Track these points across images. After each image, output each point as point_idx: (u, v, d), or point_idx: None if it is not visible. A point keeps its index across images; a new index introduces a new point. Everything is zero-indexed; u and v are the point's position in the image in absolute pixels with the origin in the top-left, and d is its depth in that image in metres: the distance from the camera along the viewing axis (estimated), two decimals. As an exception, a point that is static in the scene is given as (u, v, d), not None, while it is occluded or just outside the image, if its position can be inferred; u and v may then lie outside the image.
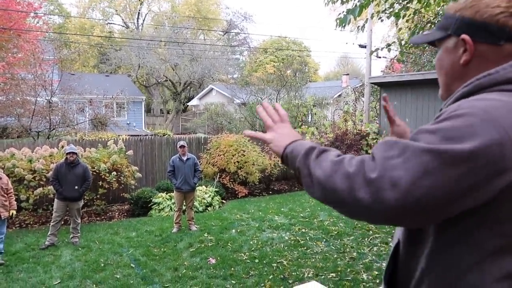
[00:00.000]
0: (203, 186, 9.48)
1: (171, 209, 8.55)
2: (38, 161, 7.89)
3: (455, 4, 1.07)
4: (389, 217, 0.83)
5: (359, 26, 6.46)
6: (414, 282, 0.99)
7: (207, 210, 8.91)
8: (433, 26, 5.81)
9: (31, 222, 8.01)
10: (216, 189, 9.62)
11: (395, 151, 0.84)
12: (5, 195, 5.68)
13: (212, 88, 28.78)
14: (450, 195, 0.80)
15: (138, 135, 14.41)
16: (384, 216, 0.83)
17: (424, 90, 9.68)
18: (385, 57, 15.85)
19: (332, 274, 4.98)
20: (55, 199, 6.53)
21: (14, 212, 5.95)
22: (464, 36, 1.00)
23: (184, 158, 7.23)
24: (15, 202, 5.97)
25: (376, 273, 4.95)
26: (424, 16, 6.73)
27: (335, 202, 0.89)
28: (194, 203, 7.81)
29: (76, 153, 6.54)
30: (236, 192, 10.23)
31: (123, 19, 37.88)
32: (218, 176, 10.09)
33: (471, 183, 0.80)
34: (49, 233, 6.44)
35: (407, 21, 6.10)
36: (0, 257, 5.66)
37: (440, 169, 0.80)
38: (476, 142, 0.80)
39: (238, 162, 10.08)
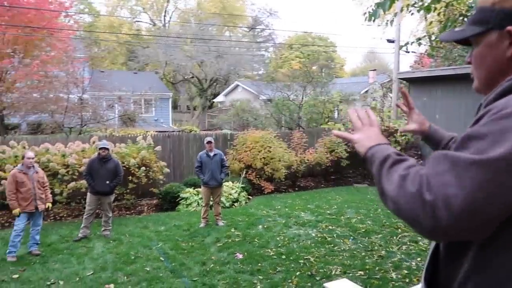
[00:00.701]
0: (230, 182, 9.56)
1: (198, 204, 8.67)
2: (71, 156, 8.16)
3: None
4: (448, 235, 0.84)
5: (387, 21, 6.34)
6: (457, 284, 0.98)
7: (233, 206, 8.99)
8: (465, 19, 5.62)
9: (65, 215, 8.30)
10: (243, 185, 9.68)
11: (445, 165, 0.85)
12: (42, 188, 5.90)
13: (238, 85, 28.89)
14: (505, 204, 0.80)
15: (165, 131, 14.66)
16: (443, 235, 0.85)
17: (455, 85, 9.40)
18: (414, 52, 15.48)
19: (360, 272, 4.93)
20: (88, 193, 6.74)
21: (50, 205, 6.18)
22: (510, 28, 0.97)
23: (211, 154, 7.31)
24: (51, 195, 6.20)
25: (406, 272, 4.87)
26: (456, 9, 6.53)
27: (405, 218, 0.90)
28: (221, 199, 7.89)
29: (108, 149, 6.73)
30: (262, 188, 10.26)
31: (150, 17, 38.52)
32: (244, 172, 10.14)
33: None
34: (82, 225, 6.66)
35: (438, 14, 5.93)
36: (37, 248, 5.90)
37: (493, 180, 0.79)
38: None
39: (264, 158, 10.10)
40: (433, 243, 1.11)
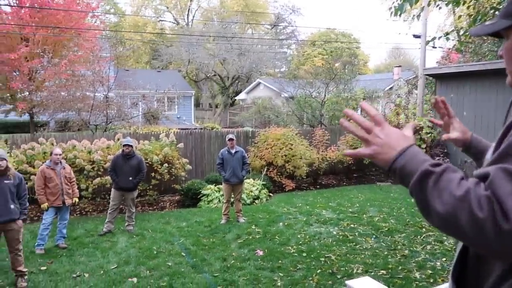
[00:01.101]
0: (251, 179, 9.58)
1: (219, 200, 8.72)
2: (97, 152, 8.35)
3: None
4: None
5: (414, 15, 6.19)
6: (491, 284, 0.95)
7: (254, 203, 9.00)
8: (497, 12, 5.42)
9: (90, 210, 8.52)
10: (264, 182, 9.67)
11: (510, 185, 0.80)
12: (69, 183, 6.07)
13: (260, 82, 28.89)
14: None
15: (187, 129, 14.82)
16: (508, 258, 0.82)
17: (484, 82, 9.10)
18: (441, 47, 15.07)
19: (382, 271, 4.85)
20: (112, 189, 6.89)
21: (77, 200, 6.35)
22: None
23: (233, 151, 7.33)
24: (77, 191, 6.36)
25: (430, 272, 4.76)
26: (486, 2, 6.31)
27: (457, 236, 0.86)
28: (242, 196, 7.91)
29: (131, 146, 6.85)
30: (283, 186, 10.23)
31: (174, 16, 38.98)
32: (265, 170, 10.14)
33: None
34: (106, 220, 6.82)
35: (467, 8, 5.74)
36: (64, 241, 6.08)
37: None
38: None
39: (285, 155, 10.06)
40: (461, 244, 1.08)
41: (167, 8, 38.58)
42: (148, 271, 5.10)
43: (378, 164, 0.98)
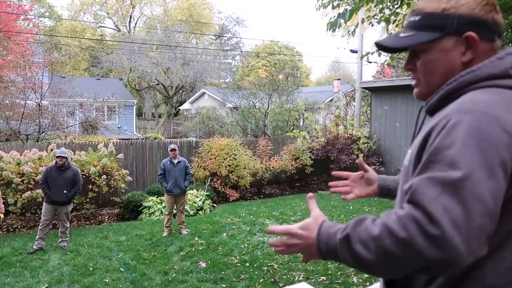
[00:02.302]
0: (194, 190, 9.44)
1: (161, 213, 8.49)
2: (27, 164, 7.79)
3: (432, 3, 1.03)
4: (468, 259, 0.79)
5: (350, 31, 6.53)
6: (421, 284, 0.97)
7: (198, 214, 8.87)
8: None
9: (19, 226, 7.89)
10: (207, 193, 9.58)
11: (436, 189, 0.81)
12: (-7, 198, 5.59)
13: (204, 92, 28.76)
14: (499, 206, 0.82)
15: (129, 139, 14.33)
16: (463, 262, 0.79)
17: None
18: (376, 62, 16.00)
19: (322, 277, 4.98)
20: (44, 203, 6.45)
21: (2, 216, 5.87)
22: (471, 33, 0.98)
23: (175, 161, 7.20)
24: (3, 206, 5.88)
25: (366, 276, 4.96)
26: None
27: (407, 271, 0.84)
28: (185, 207, 7.77)
29: (66, 157, 6.47)
30: (227, 196, 10.20)
31: (115, 23, 37.77)
32: (209, 180, 10.06)
33: (506, 186, 0.83)
34: (37, 237, 6.35)
35: (397, 26, 6.17)
36: (-13, 261, 5.57)
37: (484, 189, 0.79)
38: (496, 147, 0.83)
39: (229, 165, 10.06)
40: None
41: (108, 14, 37.30)
42: (82, 290, 4.82)
43: (311, 259, 1.03)
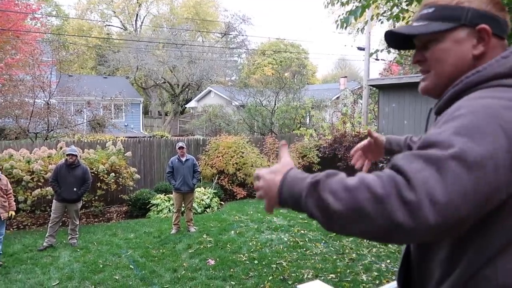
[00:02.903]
0: (202, 188, 9.47)
1: (169, 210, 8.53)
2: (37, 162, 7.86)
3: None
4: (431, 234, 0.78)
5: (358, 28, 6.49)
6: (434, 283, 0.98)
7: (205, 212, 8.90)
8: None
9: (29, 224, 7.97)
10: (215, 191, 9.61)
11: (420, 163, 0.79)
12: (4, 196, 5.65)
13: (210, 90, 28.78)
14: (484, 197, 0.79)
15: (136, 137, 14.40)
16: (426, 235, 0.77)
17: (422, 92, 9.73)
18: (384, 60, 15.91)
19: (331, 275, 4.98)
20: (53, 200, 6.50)
21: (13, 213, 5.92)
22: (484, 26, 0.99)
23: (183, 159, 7.23)
24: (14, 203, 5.94)
25: (376, 274, 4.96)
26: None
27: (366, 232, 0.81)
28: (193, 205, 7.80)
29: (76, 155, 6.52)
30: (235, 194, 10.22)
31: (121, 21, 37.89)
32: (216, 178, 10.08)
33: (498, 181, 0.80)
34: (47, 234, 6.41)
35: (406, 23, 6.13)
36: (-2, 258, 5.63)
37: (468, 174, 0.77)
38: (489, 140, 0.80)
39: (236, 163, 10.08)
40: (405, 247, 1.12)
41: (114, 13, 37.43)
42: (93, 286, 4.86)
43: (271, 205, 0.97)
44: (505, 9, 1.03)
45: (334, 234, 6.61)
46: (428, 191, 0.76)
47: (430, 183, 0.77)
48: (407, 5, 5.33)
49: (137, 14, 37.21)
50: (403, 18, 5.63)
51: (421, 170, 0.78)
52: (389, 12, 5.70)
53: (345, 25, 4.39)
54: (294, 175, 0.92)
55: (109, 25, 38.04)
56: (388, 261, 5.39)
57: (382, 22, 5.92)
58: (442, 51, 1.05)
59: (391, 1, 5.35)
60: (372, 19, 6.36)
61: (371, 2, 4.42)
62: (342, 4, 5.45)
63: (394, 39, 1.15)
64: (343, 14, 4.81)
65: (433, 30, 1.04)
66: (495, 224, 0.88)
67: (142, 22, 37.94)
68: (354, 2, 5.31)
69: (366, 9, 4.44)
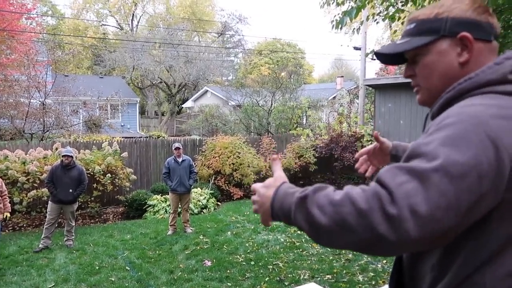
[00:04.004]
0: (198, 188, 9.46)
1: (166, 211, 8.51)
2: (32, 163, 7.82)
3: (426, 11, 1.06)
4: (414, 247, 0.80)
5: (354, 29, 6.50)
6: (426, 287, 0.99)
7: (202, 212, 8.89)
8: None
9: (25, 225, 7.94)
10: (211, 191, 9.60)
11: (404, 176, 0.80)
12: (0, 197, 5.62)
13: (207, 90, 28.75)
14: (468, 207, 0.79)
15: (132, 137, 14.36)
16: (409, 247, 0.79)
17: (418, 92, 9.75)
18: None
19: (328, 276, 4.98)
20: (49, 202, 6.48)
21: (9, 215, 5.89)
22: (465, 33, 1.00)
23: (180, 160, 7.21)
24: (9, 205, 5.90)
25: (372, 274, 4.97)
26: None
27: (351, 244, 0.83)
28: (190, 205, 7.79)
29: (71, 156, 6.49)
30: (231, 194, 10.21)
31: (117, 21, 37.80)
32: (213, 178, 10.07)
33: (483, 190, 0.80)
34: (42, 236, 6.38)
35: (402, 23, 6.14)
36: (-7, 260, 5.60)
37: (451, 185, 0.78)
38: (474, 149, 0.81)
39: (233, 164, 10.07)
40: None
41: (110, 12, 37.32)
42: (89, 288, 4.84)
43: (265, 219, 1.00)
44: (488, 11, 1.03)
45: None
46: (410, 205, 0.77)
47: (413, 196, 0.78)
48: (402, 5, 5.34)
49: (133, 14, 37.12)
50: (399, 18, 5.64)
51: (404, 183, 0.79)
52: (385, 12, 5.71)
53: (340, 25, 4.39)
54: (285, 190, 0.95)
55: (105, 25, 37.95)
56: (384, 261, 5.40)
57: (377, 22, 5.92)
58: (429, 65, 1.06)
59: (386, 1, 5.36)
60: (367, 19, 6.36)
61: (366, 2, 4.43)
62: (338, 4, 5.45)
63: (384, 57, 1.17)
64: (338, 14, 4.82)
65: (414, 46, 1.06)
66: (485, 231, 0.89)
67: (138, 22, 37.88)
68: (349, 2, 5.32)
69: (362, 10, 4.44)
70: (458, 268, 0.92)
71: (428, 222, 0.76)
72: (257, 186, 1.04)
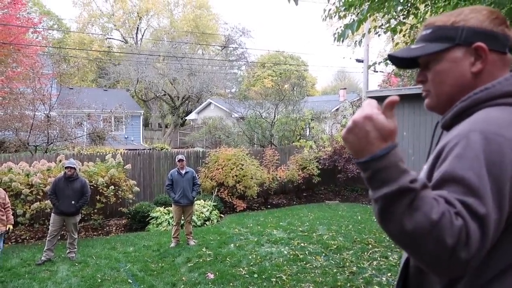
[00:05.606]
0: (202, 200, 9.43)
1: (169, 223, 8.48)
2: (36, 175, 7.85)
3: (443, 18, 1.07)
4: (458, 271, 0.84)
5: (356, 41, 6.53)
6: None
7: (205, 225, 8.85)
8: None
9: (28, 237, 7.92)
10: (215, 203, 9.56)
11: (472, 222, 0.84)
12: (2, 209, 5.63)
13: (210, 102, 28.88)
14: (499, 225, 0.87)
15: (136, 149, 14.39)
16: (460, 272, 0.85)
17: (421, 104, 9.69)
18: (382, 72, 16.00)
19: (332, 289, 4.92)
20: (52, 214, 6.47)
21: (11, 227, 5.89)
22: (480, 44, 1.00)
23: (183, 172, 7.21)
24: (12, 217, 5.91)
25: (377, 287, 4.90)
26: (420, 31, 6.81)
27: (412, 251, 0.85)
28: (193, 217, 7.75)
29: (74, 168, 6.51)
30: (235, 206, 10.17)
31: (122, 34, 38.23)
32: (216, 190, 10.05)
33: (507, 204, 0.86)
34: (45, 248, 6.36)
35: (403, 35, 6.18)
36: (-4, 272, 5.58)
37: (494, 221, 0.84)
38: (499, 166, 0.85)
39: (236, 176, 10.05)
40: (404, 258, 1.12)
41: (115, 26, 37.79)
42: (91, 301, 4.80)
43: (349, 145, 0.90)
44: (505, 23, 1.03)
45: (335, 247, 6.57)
46: (476, 249, 0.82)
47: (477, 241, 0.82)
48: (404, 18, 5.38)
49: (137, 27, 37.57)
50: (400, 30, 5.68)
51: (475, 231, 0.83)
52: (387, 25, 5.75)
53: (342, 38, 4.42)
54: (399, 159, 0.86)
55: (110, 38, 38.39)
56: (389, 274, 5.34)
57: (379, 35, 5.96)
58: (441, 72, 1.06)
59: (388, 14, 5.39)
60: (369, 32, 6.41)
61: (368, 15, 4.46)
62: (340, 17, 5.50)
63: (397, 61, 1.17)
64: (341, 27, 4.85)
65: (427, 52, 1.06)
66: (497, 248, 0.90)
67: (142, 35, 38.30)
68: (351, 16, 5.36)
69: (363, 23, 4.48)
70: (468, 283, 0.92)
71: (476, 255, 0.84)
72: (374, 113, 0.88)
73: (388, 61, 6.30)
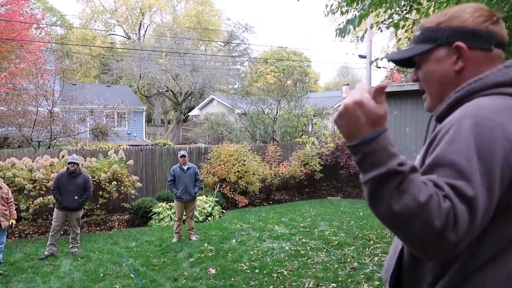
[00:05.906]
0: (204, 196, 9.46)
1: (171, 219, 8.52)
2: (39, 170, 7.89)
3: (432, 18, 1.12)
4: (445, 255, 0.86)
5: (358, 37, 6.52)
6: (426, 286, 1.01)
7: (207, 220, 8.88)
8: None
9: (31, 232, 7.98)
10: (217, 199, 9.59)
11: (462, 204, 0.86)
12: (5, 204, 5.67)
13: (213, 98, 28.87)
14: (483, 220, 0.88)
15: (138, 145, 14.42)
16: (449, 254, 0.86)
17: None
18: (385, 67, 15.93)
19: (333, 284, 4.94)
20: (55, 209, 6.52)
21: (14, 222, 5.94)
22: (458, 43, 1.04)
23: (185, 168, 7.23)
24: (15, 212, 5.95)
25: (377, 283, 4.91)
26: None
27: (400, 233, 0.87)
28: (195, 213, 7.78)
29: (77, 163, 6.54)
30: (237, 202, 10.20)
31: (125, 30, 38.23)
32: (218, 186, 10.07)
33: (498, 187, 0.88)
34: (48, 243, 6.41)
35: (406, 31, 6.15)
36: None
37: (484, 205, 0.86)
38: (489, 150, 0.87)
39: (238, 171, 10.07)
40: (398, 247, 1.13)
41: (118, 22, 37.77)
42: (93, 296, 4.84)
43: (340, 129, 0.93)
44: (490, 19, 1.06)
45: (337, 243, 6.58)
46: (466, 232, 0.84)
47: (465, 224, 0.84)
48: (406, 13, 5.35)
49: (140, 23, 37.54)
50: (403, 26, 5.64)
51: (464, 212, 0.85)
52: (389, 20, 5.72)
53: (343, 34, 4.41)
54: (388, 142, 0.88)
55: (113, 34, 38.41)
56: (390, 270, 5.34)
57: (382, 31, 5.94)
58: (428, 71, 1.12)
59: (390, 9, 5.37)
60: (372, 27, 6.38)
61: (369, 11, 4.44)
62: (342, 13, 5.47)
63: (396, 62, 1.24)
64: (343, 22, 4.83)
65: (414, 53, 1.13)
66: (487, 234, 0.92)
67: (145, 31, 38.28)
68: (354, 11, 5.34)
69: (365, 18, 4.46)
70: (460, 268, 0.95)
71: (465, 238, 0.86)
72: (365, 98, 0.90)
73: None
